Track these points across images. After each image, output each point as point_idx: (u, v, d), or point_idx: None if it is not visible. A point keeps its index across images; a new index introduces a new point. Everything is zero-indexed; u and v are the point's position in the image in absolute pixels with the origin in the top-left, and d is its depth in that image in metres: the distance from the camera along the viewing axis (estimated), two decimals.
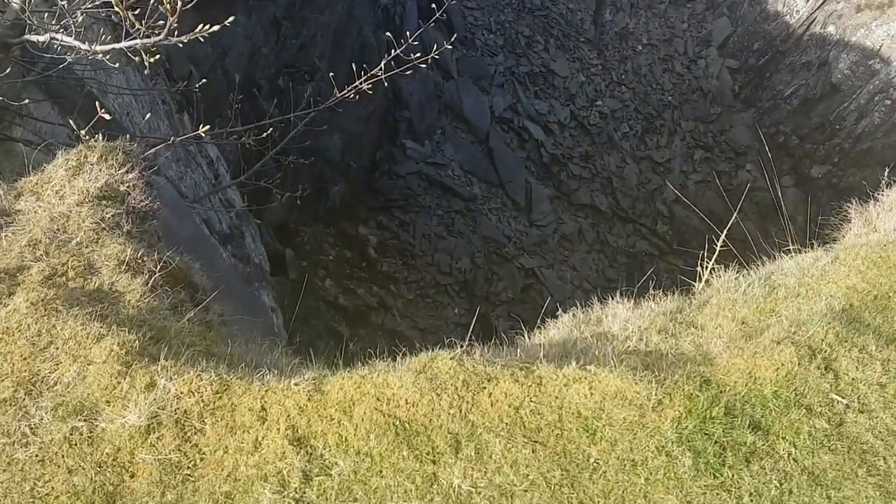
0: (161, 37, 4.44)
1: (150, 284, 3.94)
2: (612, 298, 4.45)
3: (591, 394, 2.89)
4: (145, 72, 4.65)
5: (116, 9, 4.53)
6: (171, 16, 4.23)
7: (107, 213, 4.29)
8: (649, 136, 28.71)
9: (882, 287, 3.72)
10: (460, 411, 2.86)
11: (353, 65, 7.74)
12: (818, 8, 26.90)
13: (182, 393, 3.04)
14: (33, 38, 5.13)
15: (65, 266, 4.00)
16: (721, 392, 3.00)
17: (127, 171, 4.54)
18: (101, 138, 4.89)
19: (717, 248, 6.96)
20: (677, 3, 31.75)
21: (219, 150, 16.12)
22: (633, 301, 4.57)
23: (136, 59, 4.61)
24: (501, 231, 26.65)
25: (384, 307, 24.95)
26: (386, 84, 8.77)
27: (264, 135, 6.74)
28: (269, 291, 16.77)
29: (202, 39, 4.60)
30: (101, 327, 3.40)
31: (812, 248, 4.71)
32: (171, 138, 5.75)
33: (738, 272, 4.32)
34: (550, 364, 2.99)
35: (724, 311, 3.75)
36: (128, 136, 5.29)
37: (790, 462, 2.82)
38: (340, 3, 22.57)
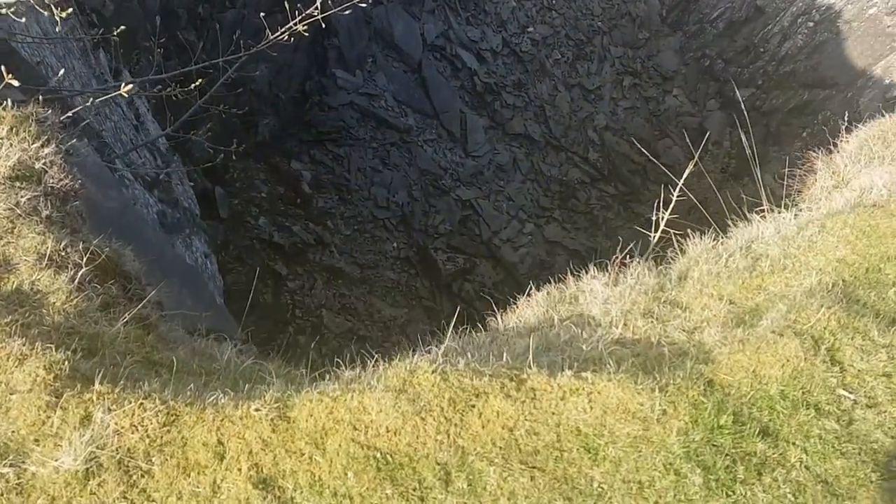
0: None
1: (76, 281, 3.39)
2: (586, 271, 4.15)
3: (591, 407, 2.59)
4: (56, 28, 3.94)
5: None
6: None
7: (22, 197, 3.66)
8: (580, 62, 28.29)
9: (872, 259, 3.51)
10: (448, 436, 2.50)
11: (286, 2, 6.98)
12: None
13: (123, 428, 2.58)
14: None
15: None
16: (726, 395, 2.75)
17: (43, 145, 3.88)
18: (9, 105, 4.18)
19: (673, 199, 6.74)
20: None
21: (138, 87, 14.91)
22: (607, 273, 4.29)
23: (46, 12, 3.89)
24: (437, 163, 26.11)
25: (321, 244, 24.34)
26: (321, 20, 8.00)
27: (192, 86, 6.03)
28: (202, 236, 15.96)
29: None
30: (24, 344, 2.87)
31: (785, 208, 4.48)
32: (90, 98, 5.03)
33: (713, 238, 4.05)
34: (542, 372, 2.67)
35: (708, 287, 3.49)
36: (40, 96, 4.57)
37: (802, 470, 2.62)
38: None
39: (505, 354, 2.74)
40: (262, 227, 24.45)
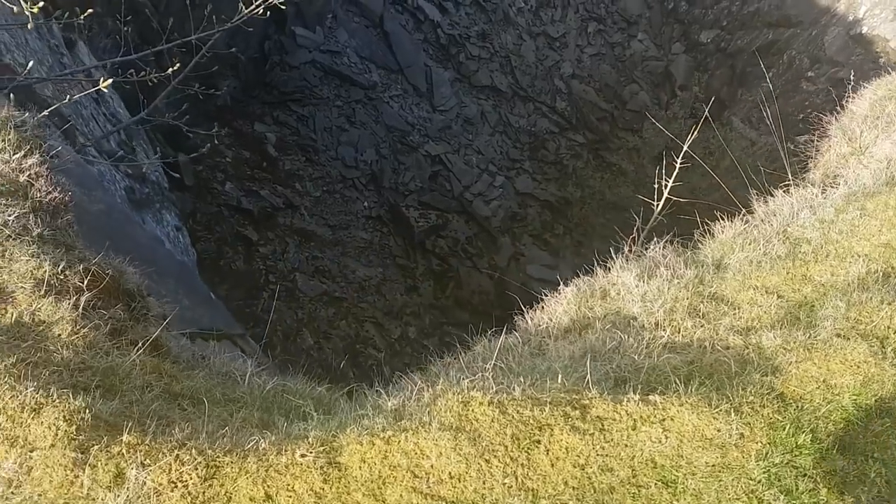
0: None
1: (80, 308, 3.09)
2: (613, 260, 3.96)
3: (666, 436, 2.41)
4: (28, 26, 3.52)
5: None
6: None
7: (9, 216, 3.31)
8: (543, 10, 27.69)
9: None
10: (517, 479, 2.30)
11: None
12: None
13: (161, 485, 2.33)
14: None
15: None
16: (800, 411, 2.62)
17: (25, 155, 3.50)
18: None
19: (677, 165, 6.57)
20: None
21: (90, 54, 14.10)
22: (633, 257, 4.11)
23: (14, 7, 3.48)
24: (404, 119, 25.56)
25: (291, 207, 23.85)
26: None
27: (171, 70, 5.60)
28: (172, 209, 15.45)
29: None
30: (37, 391, 2.60)
31: (809, 183, 4.32)
32: (68, 95, 4.59)
33: (743, 222, 3.88)
34: (606, 397, 2.49)
35: (751, 278, 3.33)
36: (10, 95, 4.15)
37: (884, 486, 2.52)
38: None
39: (560, 376, 2.55)
40: (229, 193, 23.84)
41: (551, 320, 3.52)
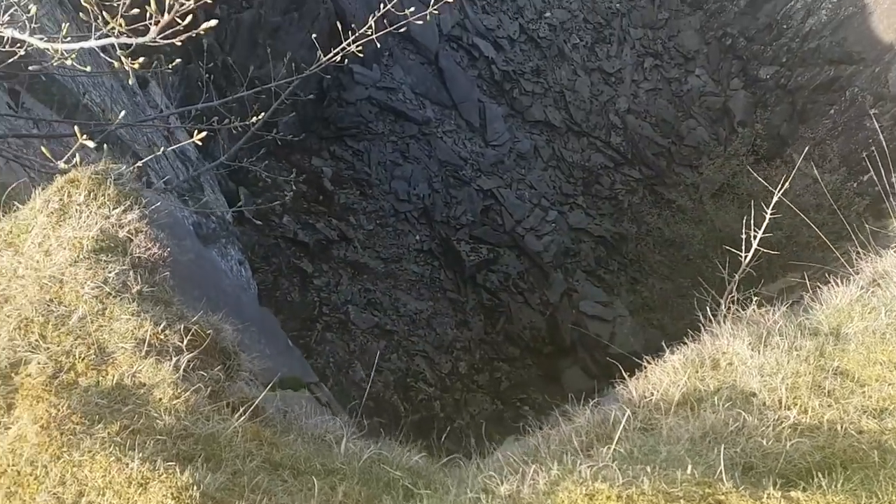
0: (149, 36, 3.37)
1: (181, 370, 3.06)
2: (718, 315, 3.78)
3: None
4: (129, 81, 3.59)
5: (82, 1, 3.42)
6: (165, 14, 3.16)
7: (109, 272, 3.31)
8: (599, 46, 27.66)
9: None
10: None
11: (339, 24, 6.59)
12: None
13: None
14: None
15: (70, 356, 3.07)
16: None
17: (125, 210, 3.53)
18: (77, 161, 3.83)
19: (767, 216, 6.34)
20: None
21: (164, 93, 14.55)
22: (736, 316, 3.92)
23: (116, 63, 3.53)
24: (457, 154, 25.69)
25: (345, 239, 24.09)
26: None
27: (255, 119, 5.67)
28: (235, 243, 15.70)
29: (202, 34, 3.54)
30: (143, 464, 2.55)
31: None
32: (161, 147, 4.68)
33: (855, 288, 3.65)
34: (743, 492, 2.31)
35: (875, 351, 3.13)
36: (104, 145, 4.23)
37: None
38: None
39: (690, 466, 2.39)
40: (286, 226, 24.23)
41: (656, 391, 3.35)
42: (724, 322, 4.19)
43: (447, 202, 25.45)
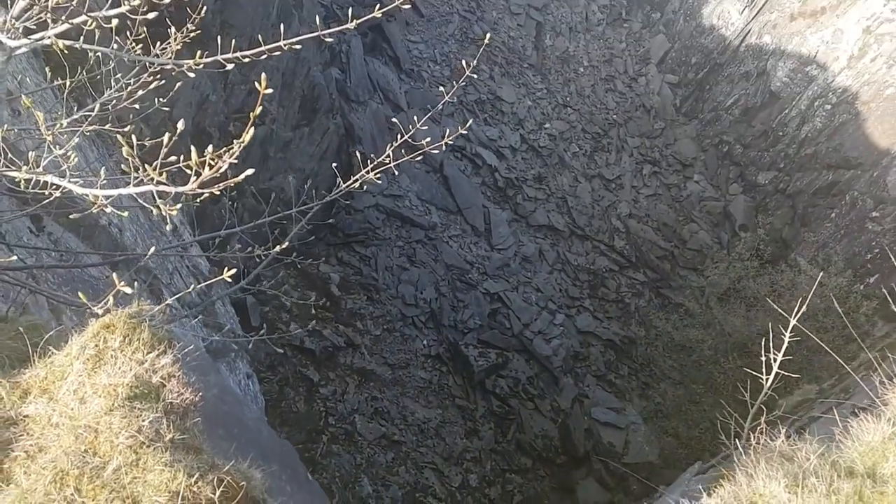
0: (188, 187, 3.50)
1: None
2: (742, 442, 3.72)
3: None
4: (167, 227, 3.75)
5: (125, 153, 3.58)
6: (206, 170, 3.30)
7: (143, 421, 3.29)
8: (598, 154, 28.51)
9: None
10: None
11: (359, 155, 6.85)
12: (752, 19, 27.17)
13: None
14: (13, 173, 4.08)
15: None
16: None
17: (159, 355, 3.55)
18: (111, 305, 3.89)
19: (786, 339, 6.35)
20: (614, 23, 31.74)
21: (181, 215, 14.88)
22: (766, 448, 3.86)
23: (154, 210, 3.65)
24: (463, 258, 25.97)
25: (352, 346, 23.94)
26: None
27: (278, 248, 5.81)
28: (244, 357, 15.61)
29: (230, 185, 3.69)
30: None
31: None
32: (192, 285, 4.78)
33: (888, 424, 3.61)
34: None
35: None
36: (137, 289, 4.30)
37: None
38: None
39: None
40: (293, 334, 24.20)
41: None
42: (752, 454, 4.12)
43: (454, 306, 25.49)
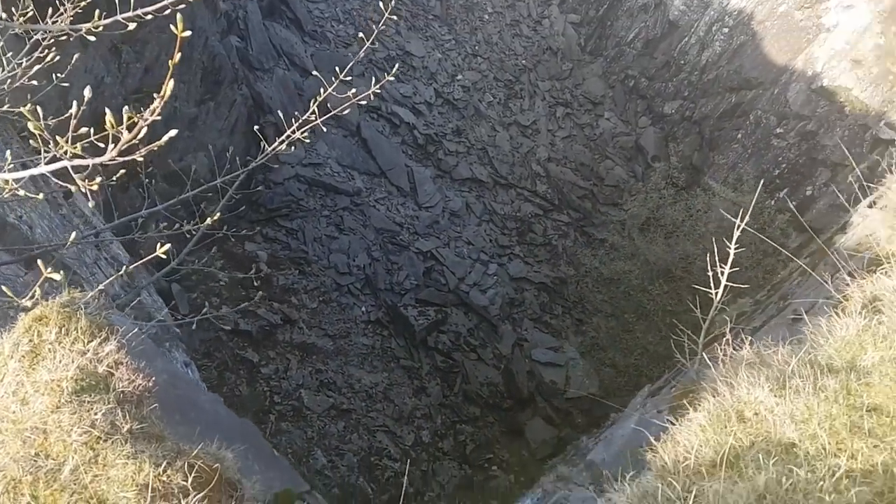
0: (107, 156, 3.14)
1: None
2: (715, 363, 3.68)
3: None
4: (90, 204, 3.33)
5: (31, 128, 3.18)
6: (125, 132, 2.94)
7: (96, 414, 2.98)
8: (512, 101, 28.48)
9: None
10: None
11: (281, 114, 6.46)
12: None
13: None
14: None
15: None
16: None
17: (101, 343, 3.21)
18: (38, 296, 3.49)
19: (731, 252, 6.43)
20: None
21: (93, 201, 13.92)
22: (734, 358, 3.84)
23: (73, 187, 3.26)
24: (392, 220, 25.66)
25: (289, 322, 23.43)
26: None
27: (208, 221, 5.41)
28: (179, 346, 14.97)
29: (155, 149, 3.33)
30: None
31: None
32: (124, 265, 4.36)
33: (860, 317, 3.64)
34: None
35: None
36: (63, 277, 3.88)
37: None
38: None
39: None
40: (226, 317, 23.40)
41: (690, 455, 3.21)
42: (722, 366, 4.12)
43: (388, 269, 25.24)
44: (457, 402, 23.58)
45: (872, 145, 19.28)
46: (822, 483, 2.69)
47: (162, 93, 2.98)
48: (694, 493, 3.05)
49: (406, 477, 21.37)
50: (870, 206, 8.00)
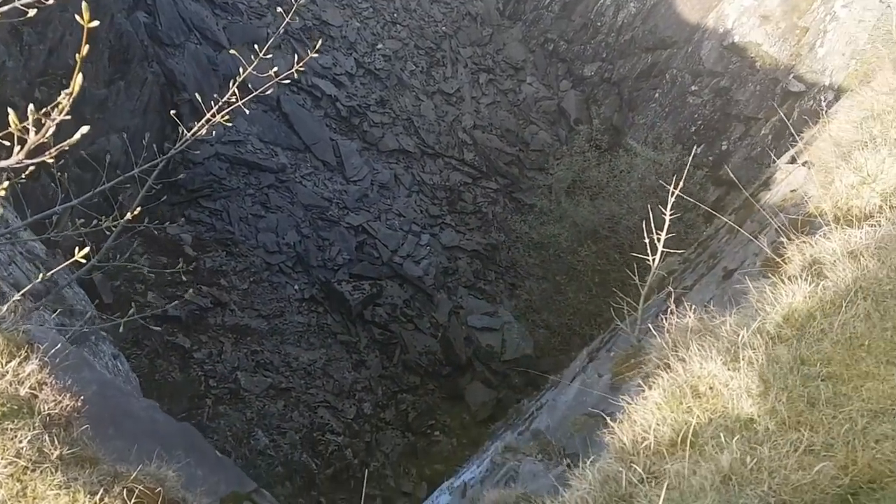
0: (13, 159, 2.78)
1: None
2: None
3: None
4: None
5: None
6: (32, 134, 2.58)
7: (21, 442, 2.65)
8: (435, 69, 28.04)
9: None
10: None
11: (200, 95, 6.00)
12: None
13: None
14: None
15: None
16: None
17: (21, 363, 2.86)
18: None
19: (667, 217, 6.41)
20: None
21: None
22: (679, 325, 3.78)
23: None
24: (320, 195, 25.05)
25: (220, 304, 22.70)
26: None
27: (128, 216, 4.97)
28: (106, 338, 14.24)
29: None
30: None
31: (829, 221, 4.13)
32: (41, 272, 3.92)
33: (805, 283, 3.62)
34: None
35: (853, 347, 3.07)
36: None
37: None
38: None
39: None
40: (152, 303, 22.48)
41: (649, 434, 3.13)
42: (668, 335, 4.07)
43: (320, 245, 24.71)
44: (397, 373, 23.50)
45: (783, 98, 19.90)
46: (784, 460, 2.64)
47: (70, 89, 2.63)
48: (656, 475, 2.97)
49: (349, 450, 21.25)
50: (791, 162, 8.16)
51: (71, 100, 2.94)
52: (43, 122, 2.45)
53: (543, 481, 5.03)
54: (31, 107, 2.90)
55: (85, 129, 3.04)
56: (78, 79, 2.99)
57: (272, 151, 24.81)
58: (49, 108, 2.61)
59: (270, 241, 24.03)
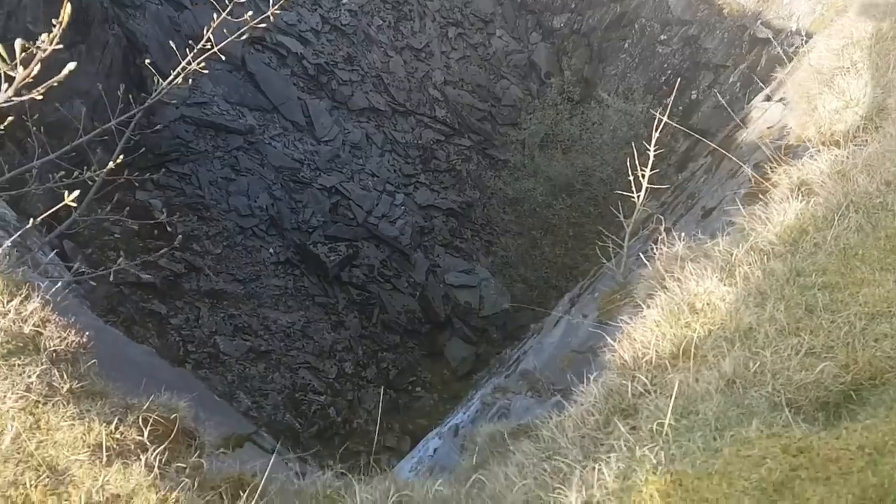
0: (3, 96, 2.72)
1: (155, 468, 2.49)
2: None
3: None
4: None
5: None
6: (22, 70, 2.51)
7: (30, 377, 2.64)
8: (402, 23, 27.57)
9: None
10: None
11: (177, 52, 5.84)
12: None
13: None
14: None
15: (18, 486, 2.38)
16: None
17: (23, 301, 2.83)
18: None
19: (651, 154, 6.45)
20: None
21: None
22: (669, 256, 3.83)
23: None
24: (291, 156, 24.70)
25: (194, 270, 22.46)
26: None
27: (111, 164, 4.87)
28: (83, 303, 14.04)
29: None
30: None
31: (816, 144, 4.20)
32: (12, 223, 3.82)
33: (796, 202, 3.69)
34: (822, 435, 2.19)
35: (846, 257, 3.17)
36: None
37: None
38: None
39: (755, 420, 2.24)
40: (125, 270, 22.09)
41: (650, 350, 3.21)
42: (659, 264, 4.14)
43: (293, 208, 24.48)
44: (376, 332, 23.60)
45: (751, 44, 19.99)
46: (786, 362, 2.74)
47: (60, 18, 2.57)
48: (659, 386, 3.06)
49: (332, 408, 21.42)
50: (766, 100, 8.25)
51: (60, 30, 2.87)
52: (33, 53, 2.40)
53: (537, 412, 5.14)
54: (18, 41, 2.82)
55: (72, 65, 2.98)
56: (67, 8, 2.91)
57: (239, 112, 24.32)
58: (37, 42, 2.57)
59: (242, 205, 23.73)
